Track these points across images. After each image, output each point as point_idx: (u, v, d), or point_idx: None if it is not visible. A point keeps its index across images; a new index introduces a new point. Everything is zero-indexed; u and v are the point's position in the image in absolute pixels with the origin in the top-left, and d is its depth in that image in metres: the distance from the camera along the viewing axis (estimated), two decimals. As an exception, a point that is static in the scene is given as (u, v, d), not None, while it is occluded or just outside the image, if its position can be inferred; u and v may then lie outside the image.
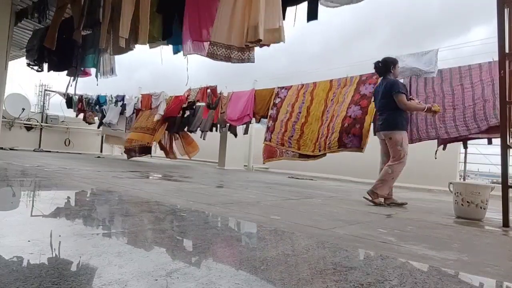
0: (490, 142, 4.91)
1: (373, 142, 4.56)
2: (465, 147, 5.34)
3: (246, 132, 8.89)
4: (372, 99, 4.45)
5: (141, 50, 5.56)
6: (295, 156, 6.22)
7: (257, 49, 4.24)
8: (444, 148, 5.34)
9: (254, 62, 4.20)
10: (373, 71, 4.14)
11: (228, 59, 4.12)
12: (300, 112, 6.23)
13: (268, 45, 4.21)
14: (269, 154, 6.58)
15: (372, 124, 5.16)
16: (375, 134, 4.64)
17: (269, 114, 6.84)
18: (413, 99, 3.99)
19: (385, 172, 3.67)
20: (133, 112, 10.01)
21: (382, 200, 3.73)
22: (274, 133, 6.47)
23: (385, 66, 3.86)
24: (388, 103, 3.74)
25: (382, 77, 3.96)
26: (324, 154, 5.85)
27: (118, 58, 6.94)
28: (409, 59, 5.00)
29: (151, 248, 1.49)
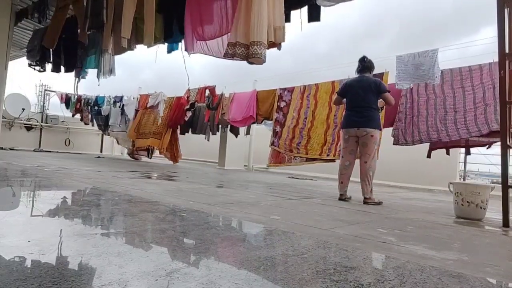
0: (489, 147, 4.91)
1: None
2: (468, 153, 5.33)
3: (248, 132, 8.88)
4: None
5: (147, 50, 5.57)
6: (302, 161, 6.30)
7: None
8: (447, 153, 5.34)
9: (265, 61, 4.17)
10: (379, 71, 4.17)
11: (246, 57, 4.04)
12: (306, 118, 6.30)
13: (279, 46, 4.22)
14: (277, 159, 6.66)
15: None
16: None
17: (274, 117, 6.85)
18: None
19: (368, 175, 3.80)
20: (135, 114, 9.98)
21: (376, 199, 3.82)
22: (282, 139, 6.52)
23: (370, 65, 4.02)
24: (374, 101, 3.85)
25: (359, 74, 4.02)
26: (333, 160, 5.90)
27: (123, 59, 7.00)
28: (410, 68, 4.98)
29: (151, 248, 1.49)
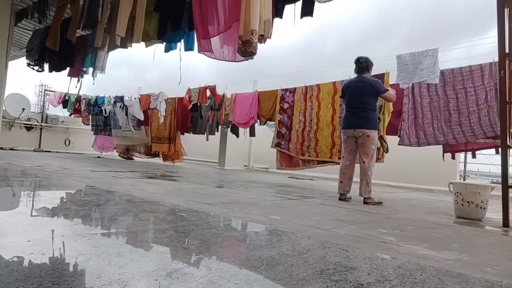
0: (498, 152, 4.86)
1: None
2: (474, 156, 5.33)
3: (252, 134, 8.80)
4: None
5: (152, 51, 5.58)
6: (314, 164, 6.33)
7: (269, 47, 4.31)
8: (453, 157, 5.33)
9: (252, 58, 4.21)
10: (380, 72, 4.16)
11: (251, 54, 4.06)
12: (311, 120, 6.31)
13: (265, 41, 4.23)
14: (290, 163, 6.67)
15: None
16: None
17: (278, 118, 6.84)
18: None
19: (367, 175, 3.80)
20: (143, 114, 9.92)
21: (375, 199, 3.83)
22: (292, 142, 6.53)
23: (367, 65, 4.01)
24: (371, 102, 3.87)
25: (357, 75, 4.02)
26: None
27: (128, 60, 7.04)
28: (410, 67, 4.98)
29: (151, 248, 1.49)
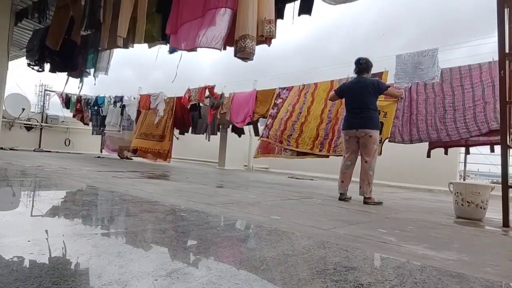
0: (492, 150, 4.87)
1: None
2: (468, 153, 5.33)
3: (256, 133, 8.77)
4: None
5: (156, 51, 5.58)
6: (293, 155, 6.22)
7: (273, 47, 4.34)
8: (446, 153, 5.32)
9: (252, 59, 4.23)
10: (379, 70, 4.15)
11: (251, 52, 4.07)
12: (300, 113, 6.24)
13: (269, 43, 4.24)
14: (265, 150, 6.57)
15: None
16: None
17: (269, 113, 6.84)
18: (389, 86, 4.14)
19: (369, 175, 3.80)
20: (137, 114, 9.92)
21: (375, 199, 3.83)
22: (272, 129, 6.42)
23: (367, 66, 4.00)
24: (373, 102, 3.87)
25: (357, 75, 4.02)
26: (327, 156, 5.84)
27: (133, 60, 7.06)
28: (409, 67, 4.98)
29: (151, 248, 1.49)
